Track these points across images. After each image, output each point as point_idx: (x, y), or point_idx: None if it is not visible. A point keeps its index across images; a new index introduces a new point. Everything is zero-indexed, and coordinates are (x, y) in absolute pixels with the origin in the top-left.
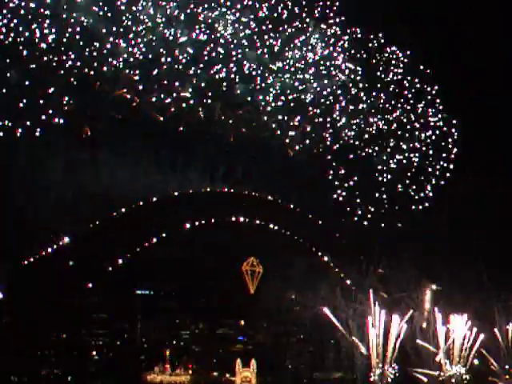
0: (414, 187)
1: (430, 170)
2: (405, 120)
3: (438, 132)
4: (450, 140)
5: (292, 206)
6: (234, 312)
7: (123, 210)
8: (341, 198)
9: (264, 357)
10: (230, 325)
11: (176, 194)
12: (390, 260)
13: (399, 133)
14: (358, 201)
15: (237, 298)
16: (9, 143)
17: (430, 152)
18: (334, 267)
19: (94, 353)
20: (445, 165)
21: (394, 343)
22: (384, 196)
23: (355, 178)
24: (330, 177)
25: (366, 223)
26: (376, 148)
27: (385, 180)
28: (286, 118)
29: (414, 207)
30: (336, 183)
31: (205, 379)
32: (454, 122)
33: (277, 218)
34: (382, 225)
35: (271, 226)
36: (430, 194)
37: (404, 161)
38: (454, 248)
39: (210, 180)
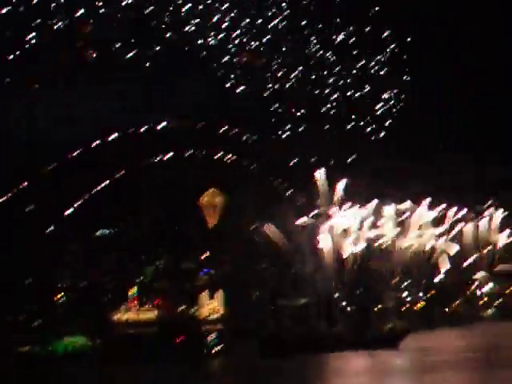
0: None
1: None
2: None
3: None
4: None
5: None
6: (198, 246)
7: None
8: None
9: (231, 288)
10: (194, 258)
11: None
12: None
13: None
14: None
15: (199, 232)
16: None
17: None
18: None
19: (60, 295)
20: None
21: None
22: None
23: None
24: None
25: None
26: None
27: None
28: None
29: None
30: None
31: (172, 314)
32: None
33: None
34: None
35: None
36: None
37: None
38: None
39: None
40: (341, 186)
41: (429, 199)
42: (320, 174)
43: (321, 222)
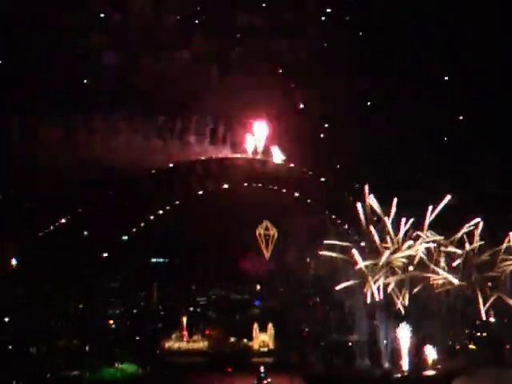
0: None
1: None
2: None
3: None
4: None
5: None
6: (250, 277)
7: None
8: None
9: (281, 321)
10: (245, 290)
11: (184, 160)
12: None
13: None
14: None
15: (252, 263)
16: None
17: None
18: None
19: (111, 322)
20: None
21: None
22: None
23: None
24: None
25: None
26: None
27: None
28: None
29: None
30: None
31: (222, 345)
32: None
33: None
34: None
35: (283, 189)
36: None
37: None
38: None
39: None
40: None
41: None
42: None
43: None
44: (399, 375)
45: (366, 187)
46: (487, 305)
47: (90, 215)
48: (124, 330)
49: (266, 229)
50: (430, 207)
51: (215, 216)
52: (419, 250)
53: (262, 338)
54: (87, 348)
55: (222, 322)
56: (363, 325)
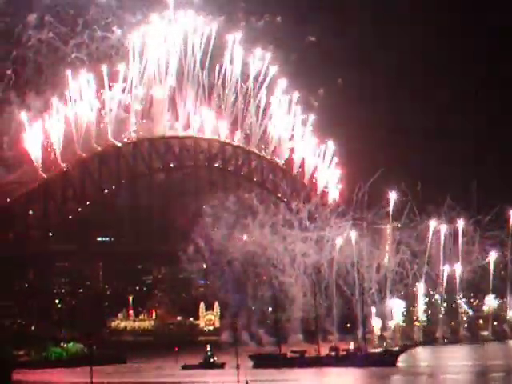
0: None
1: None
2: None
3: None
4: None
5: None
6: (195, 255)
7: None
8: None
9: (227, 300)
10: (191, 269)
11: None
12: None
13: None
14: None
15: (197, 241)
16: None
17: None
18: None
19: (57, 301)
20: None
21: None
22: None
23: None
24: None
25: None
26: None
27: None
28: None
29: None
30: None
31: (168, 324)
32: None
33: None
34: None
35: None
36: None
37: None
38: None
39: None
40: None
41: None
42: None
43: None
44: (345, 352)
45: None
46: None
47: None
48: (70, 309)
49: (212, 207)
50: None
51: (159, 195)
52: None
53: (209, 317)
54: (33, 327)
55: (168, 301)
56: (298, 301)
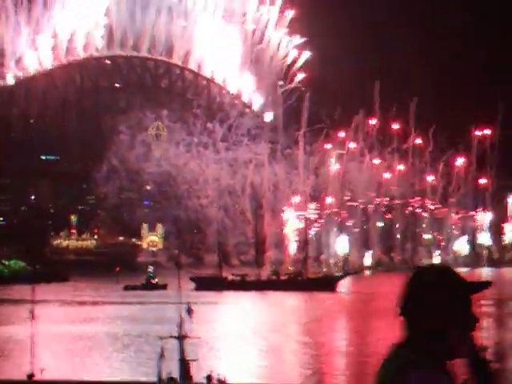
0: None
1: None
2: None
3: None
4: None
5: None
6: (140, 176)
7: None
8: None
9: (172, 221)
10: (135, 189)
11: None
12: None
13: None
14: None
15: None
16: None
17: None
18: None
19: (0, 218)
20: None
21: None
22: None
23: None
24: None
25: None
26: None
27: None
28: None
29: None
30: None
31: (111, 244)
32: None
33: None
34: None
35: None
36: None
37: None
38: None
39: None
40: None
41: None
42: None
43: None
44: (286, 276)
45: None
46: None
47: None
48: (12, 226)
49: (158, 129)
50: None
51: (103, 113)
52: None
53: (151, 238)
54: None
55: (111, 221)
56: (238, 224)
